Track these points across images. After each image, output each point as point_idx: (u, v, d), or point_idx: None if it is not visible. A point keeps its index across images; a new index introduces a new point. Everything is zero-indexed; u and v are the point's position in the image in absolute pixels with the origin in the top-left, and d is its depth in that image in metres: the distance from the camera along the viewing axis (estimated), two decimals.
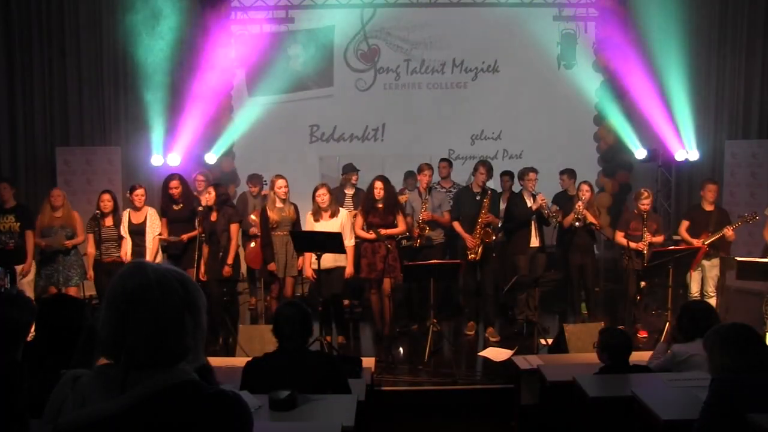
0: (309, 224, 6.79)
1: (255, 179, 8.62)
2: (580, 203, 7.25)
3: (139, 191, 7.05)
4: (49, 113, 9.43)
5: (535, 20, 10.20)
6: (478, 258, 7.01)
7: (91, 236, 7.03)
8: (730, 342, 2.98)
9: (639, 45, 9.59)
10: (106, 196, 7.05)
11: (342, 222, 6.79)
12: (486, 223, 6.99)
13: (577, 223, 7.24)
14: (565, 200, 7.75)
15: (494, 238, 7.06)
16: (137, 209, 7.04)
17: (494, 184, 7.70)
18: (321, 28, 10.29)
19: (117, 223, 7.03)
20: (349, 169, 8.42)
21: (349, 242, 6.76)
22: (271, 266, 6.93)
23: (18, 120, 9.30)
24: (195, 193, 7.54)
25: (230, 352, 6.20)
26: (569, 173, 8.15)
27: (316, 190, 6.82)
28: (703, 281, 7.23)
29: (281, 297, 6.86)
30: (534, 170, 7.42)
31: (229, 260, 6.89)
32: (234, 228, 6.98)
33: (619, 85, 9.85)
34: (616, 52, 9.76)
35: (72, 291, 7.03)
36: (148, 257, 6.82)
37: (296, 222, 7.03)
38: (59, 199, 7.12)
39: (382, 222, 6.80)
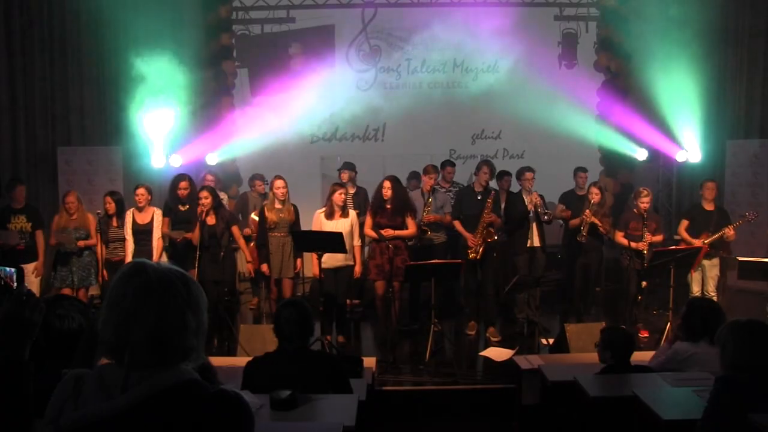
0: (319, 223, 6.79)
1: (258, 179, 8.62)
2: (587, 212, 7.19)
3: (140, 190, 7.07)
4: (50, 113, 9.43)
5: (536, 20, 10.19)
6: (478, 257, 7.00)
7: (99, 235, 7.05)
8: (746, 338, 2.96)
9: (640, 44, 9.58)
10: (108, 198, 7.08)
11: (352, 222, 6.81)
12: (488, 223, 6.97)
13: (582, 240, 7.21)
14: (573, 200, 7.69)
15: (496, 238, 7.04)
16: (140, 209, 7.05)
17: (493, 183, 7.67)
18: (322, 28, 10.29)
19: (122, 224, 7.05)
20: (344, 168, 8.38)
21: (356, 242, 6.77)
22: (263, 267, 6.93)
23: (19, 120, 9.29)
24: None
25: (231, 351, 6.20)
26: (582, 169, 8.02)
27: (334, 191, 6.81)
28: (704, 281, 7.23)
29: (280, 298, 6.85)
30: (531, 169, 7.40)
31: (248, 257, 7.17)
32: (236, 230, 7.05)
33: (620, 85, 9.85)
34: (617, 51, 9.76)
35: (81, 293, 7.07)
36: (155, 258, 6.82)
37: (295, 223, 7.01)
38: (73, 205, 7.17)
39: (389, 223, 6.79)
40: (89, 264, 7.16)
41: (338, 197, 6.77)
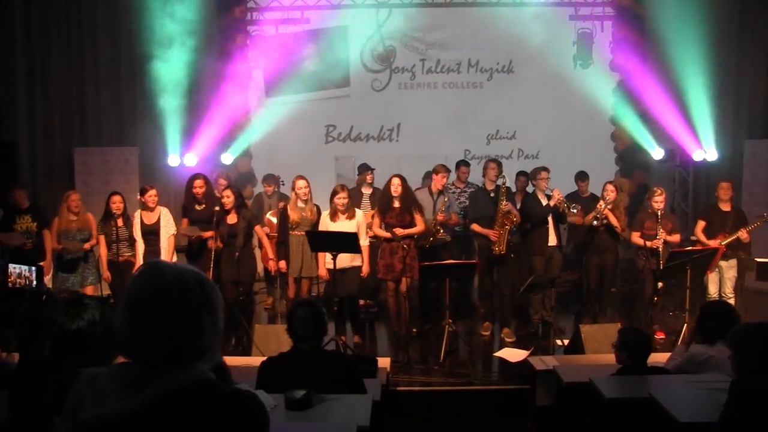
0: (325, 224, 6.80)
1: (270, 179, 8.65)
2: (602, 202, 7.15)
3: (152, 192, 7.08)
4: (67, 114, 9.52)
5: (550, 20, 10.13)
6: (504, 251, 6.95)
7: (102, 237, 7.07)
8: (761, 342, 2.93)
9: (657, 43, 9.52)
10: (117, 198, 7.06)
11: (358, 223, 6.80)
12: (506, 211, 6.94)
13: (595, 222, 7.15)
14: (578, 201, 7.65)
15: (515, 220, 6.98)
16: (150, 210, 7.08)
17: (509, 184, 7.62)
18: (336, 29, 10.31)
19: (127, 224, 7.07)
20: (364, 169, 8.44)
21: (364, 242, 6.77)
22: (282, 264, 6.96)
23: (36, 121, 9.39)
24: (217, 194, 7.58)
25: (246, 351, 6.23)
26: (582, 176, 8.04)
27: (335, 193, 6.81)
28: (721, 282, 7.15)
29: (297, 297, 6.87)
30: (546, 169, 7.37)
31: (271, 255, 7.07)
32: (259, 229, 7.11)
33: (636, 85, 9.78)
34: (633, 51, 9.70)
35: (89, 291, 7.10)
36: (164, 257, 6.84)
37: (317, 223, 7.02)
38: (77, 204, 7.17)
39: (398, 222, 6.78)
40: (91, 264, 7.18)
41: (338, 201, 6.75)
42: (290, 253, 7.00)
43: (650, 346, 4.16)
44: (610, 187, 7.23)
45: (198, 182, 7.14)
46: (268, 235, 7.68)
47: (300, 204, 7.00)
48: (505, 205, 6.94)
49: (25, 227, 7.21)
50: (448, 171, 7.57)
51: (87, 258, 7.13)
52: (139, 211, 7.13)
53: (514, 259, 7.26)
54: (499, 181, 7.11)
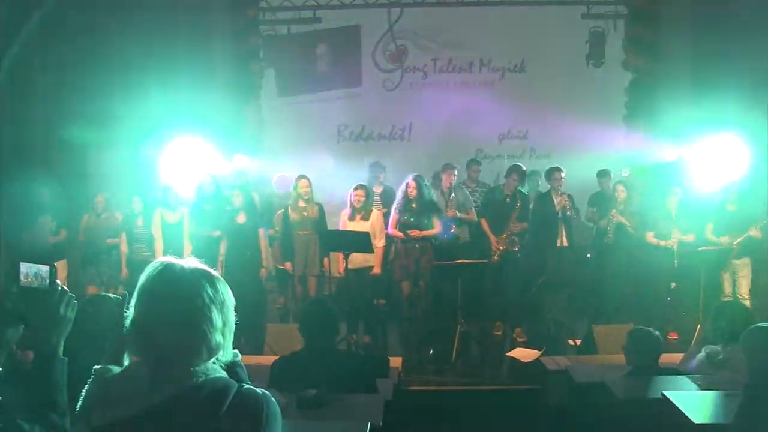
0: (343, 224, 6.82)
1: (281, 181, 8.66)
2: (614, 211, 7.14)
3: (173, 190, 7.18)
4: (80, 114, 9.55)
5: (563, 18, 10.09)
6: (497, 261, 6.99)
7: (123, 234, 7.15)
8: None
9: (670, 42, 9.45)
10: (135, 198, 7.16)
11: (372, 224, 6.81)
12: (513, 232, 6.97)
13: (605, 241, 7.15)
14: (602, 201, 7.64)
15: (517, 249, 7.03)
16: (173, 209, 7.14)
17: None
18: (348, 28, 10.31)
19: (147, 224, 7.13)
20: (376, 168, 8.44)
21: (379, 242, 6.78)
22: (287, 265, 6.99)
23: (51, 119, 9.42)
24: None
25: (258, 350, 6.24)
26: (603, 174, 8.00)
27: (353, 189, 6.84)
28: (735, 282, 7.10)
29: (305, 296, 6.89)
30: (560, 169, 7.36)
31: (263, 262, 7.11)
32: (261, 231, 7.12)
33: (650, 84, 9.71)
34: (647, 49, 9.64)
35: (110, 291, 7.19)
36: (186, 256, 6.89)
37: (319, 221, 7.03)
38: (102, 206, 7.37)
39: (415, 223, 6.79)
40: (117, 263, 7.26)
41: (353, 197, 6.78)
42: (294, 252, 7.01)
43: (661, 347, 4.14)
44: (621, 188, 7.25)
45: (208, 178, 7.21)
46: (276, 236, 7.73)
47: (301, 203, 7.01)
48: (514, 225, 6.96)
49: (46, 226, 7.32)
50: (455, 169, 7.58)
51: (110, 252, 7.21)
52: (159, 209, 7.18)
53: (523, 259, 7.25)
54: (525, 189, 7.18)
